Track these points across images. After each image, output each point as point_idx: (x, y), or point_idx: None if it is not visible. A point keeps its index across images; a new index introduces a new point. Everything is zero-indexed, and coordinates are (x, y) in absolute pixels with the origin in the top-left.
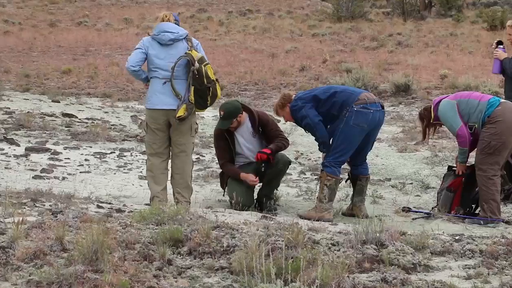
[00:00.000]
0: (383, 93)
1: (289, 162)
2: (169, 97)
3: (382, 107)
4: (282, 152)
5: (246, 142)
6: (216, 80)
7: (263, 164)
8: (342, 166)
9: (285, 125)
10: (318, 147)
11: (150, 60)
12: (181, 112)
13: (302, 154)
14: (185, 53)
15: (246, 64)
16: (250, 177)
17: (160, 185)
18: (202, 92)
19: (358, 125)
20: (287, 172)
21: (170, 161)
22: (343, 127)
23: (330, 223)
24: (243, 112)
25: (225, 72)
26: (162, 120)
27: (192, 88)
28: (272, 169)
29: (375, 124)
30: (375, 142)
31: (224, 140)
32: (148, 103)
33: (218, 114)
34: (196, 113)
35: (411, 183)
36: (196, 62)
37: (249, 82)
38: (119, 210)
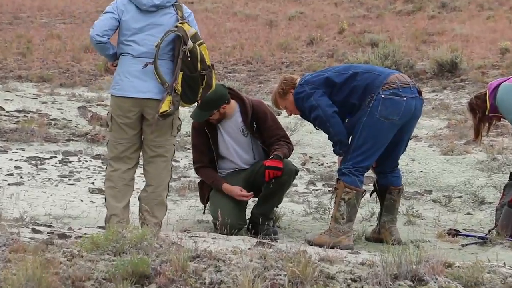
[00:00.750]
0: (421, 74)
1: (296, 172)
2: (147, 82)
3: (420, 93)
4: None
5: (234, 142)
6: (212, 66)
7: (273, 181)
8: (366, 174)
9: (287, 119)
10: (332, 148)
11: (123, 30)
12: (165, 107)
13: (311, 158)
14: (175, 26)
15: (235, 36)
16: (236, 191)
17: (122, 202)
18: (193, 80)
19: (386, 117)
20: (292, 183)
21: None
22: (366, 120)
23: (349, 251)
24: (231, 101)
25: (207, 47)
26: (134, 113)
27: (180, 75)
28: (271, 181)
29: (410, 116)
30: (410, 141)
31: (203, 136)
32: (115, 89)
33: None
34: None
35: (460, 197)
36: (189, 39)
37: (239, 60)
38: (62, 236)
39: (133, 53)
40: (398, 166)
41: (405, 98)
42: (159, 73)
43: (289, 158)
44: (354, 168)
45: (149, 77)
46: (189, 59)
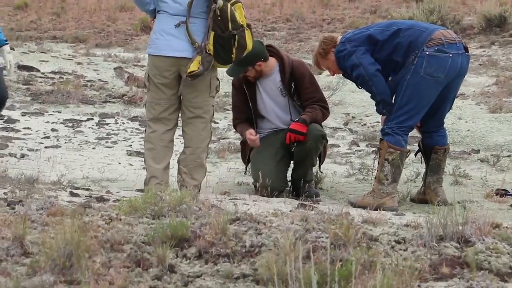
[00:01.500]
0: (468, 29)
1: (322, 137)
2: (183, 40)
3: (466, 49)
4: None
5: (272, 102)
6: (248, 25)
7: (295, 145)
8: (410, 134)
9: (329, 78)
10: (375, 108)
11: None
12: (194, 67)
13: (353, 117)
14: None
15: None
16: (246, 135)
17: (162, 163)
18: (224, 40)
19: (431, 75)
20: (333, 143)
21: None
22: (410, 78)
23: (393, 212)
24: (271, 59)
25: (245, 5)
26: (171, 72)
27: (211, 34)
28: (297, 147)
29: (456, 74)
30: (456, 99)
31: (242, 94)
32: (151, 48)
33: None
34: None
35: (509, 156)
36: None
37: (278, 18)
38: (100, 199)
39: (169, 10)
40: (444, 125)
41: (450, 55)
42: (189, 32)
43: (326, 120)
44: (398, 128)
45: (184, 35)
46: (219, 18)
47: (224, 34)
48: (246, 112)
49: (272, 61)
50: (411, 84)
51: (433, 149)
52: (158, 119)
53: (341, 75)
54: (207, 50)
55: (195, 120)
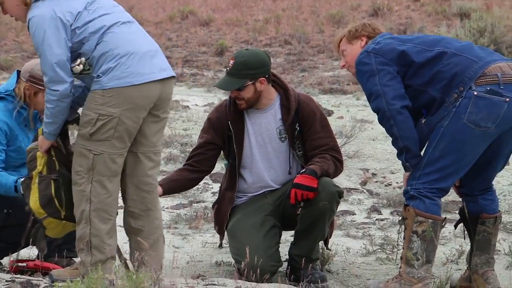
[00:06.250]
0: None
1: (339, 195)
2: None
3: None
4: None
5: (265, 149)
6: None
7: (301, 204)
8: (451, 197)
9: (340, 122)
10: (397, 156)
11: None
12: None
13: (374, 175)
14: None
15: (268, 5)
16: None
17: (115, 238)
18: None
19: (477, 124)
20: (346, 210)
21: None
22: (449, 124)
23: None
24: (271, 89)
25: (228, 21)
26: (151, 102)
27: None
28: (305, 209)
29: None
30: None
31: (218, 135)
32: (128, 77)
33: (225, 66)
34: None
35: None
36: None
37: (274, 39)
38: (26, 285)
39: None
40: (494, 187)
41: (507, 99)
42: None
43: (337, 177)
44: (427, 189)
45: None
46: None
47: None
48: (211, 157)
49: (272, 91)
50: (448, 133)
51: (480, 218)
52: (116, 175)
53: (355, 77)
54: None
55: (155, 169)
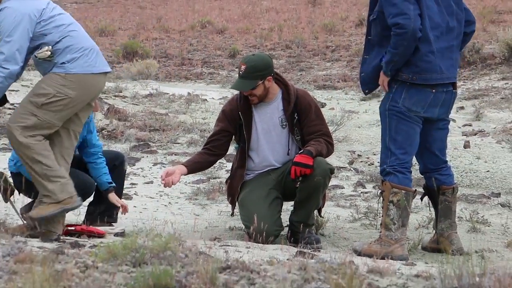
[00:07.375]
0: (489, 59)
1: (331, 171)
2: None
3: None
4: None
5: (269, 134)
6: None
7: (300, 179)
8: (416, 176)
9: (332, 112)
10: (383, 66)
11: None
12: None
13: (359, 156)
14: None
15: (272, 17)
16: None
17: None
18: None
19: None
20: (337, 184)
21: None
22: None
23: (403, 261)
24: (274, 85)
25: (239, 30)
26: (99, 92)
27: None
28: (303, 183)
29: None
30: (474, 136)
31: (231, 124)
32: (89, 67)
33: (238, 71)
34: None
35: None
36: None
37: (277, 44)
38: (75, 244)
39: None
40: (448, 162)
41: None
42: None
43: (329, 158)
44: (399, 164)
45: None
46: None
47: None
48: (224, 142)
49: (275, 87)
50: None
51: (440, 189)
52: (47, 139)
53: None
54: None
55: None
